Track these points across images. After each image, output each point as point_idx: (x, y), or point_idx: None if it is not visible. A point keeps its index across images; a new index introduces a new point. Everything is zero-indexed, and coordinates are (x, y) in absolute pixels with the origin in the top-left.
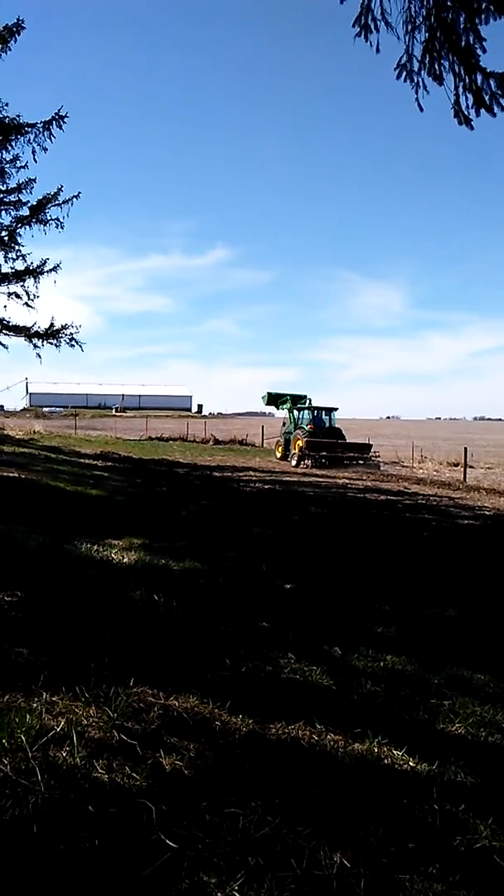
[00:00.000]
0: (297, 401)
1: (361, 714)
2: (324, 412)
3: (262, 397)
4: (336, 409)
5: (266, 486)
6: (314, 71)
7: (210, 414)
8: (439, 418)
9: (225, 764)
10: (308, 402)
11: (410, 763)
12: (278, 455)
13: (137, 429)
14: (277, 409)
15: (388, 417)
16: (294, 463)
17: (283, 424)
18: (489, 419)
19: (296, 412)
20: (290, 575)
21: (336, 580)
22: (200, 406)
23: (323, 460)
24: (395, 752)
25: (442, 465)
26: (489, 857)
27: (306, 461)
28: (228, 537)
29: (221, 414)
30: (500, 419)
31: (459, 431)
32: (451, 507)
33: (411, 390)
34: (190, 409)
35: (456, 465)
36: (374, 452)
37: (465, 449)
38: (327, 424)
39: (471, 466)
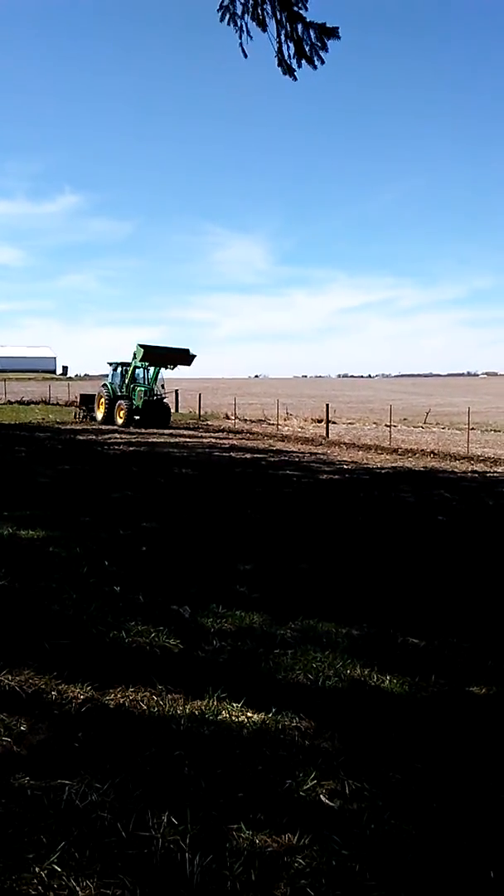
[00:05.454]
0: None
1: (204, 671)
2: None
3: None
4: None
5: (131, 448)
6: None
7: (77, 376)
8: (305, 376)
9: (57, 735)
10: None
11: (248, 714)
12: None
13: None
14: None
15: (256, 376)
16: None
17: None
18: (353, 376)
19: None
20: (148, 539)
21: (195, 540)
22: (66, 367)
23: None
24: (232, 704)
25: (306, 422)
26: (316, 798)
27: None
28: (87, 502)
29: (88, 375)
30: (362, 376)
31: (324, 389)
32: (313, 463)
33: (278, 349)
34: (54, 371)
35: (319, 421)
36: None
37: (327, 406)
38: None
39: (333, 422)
